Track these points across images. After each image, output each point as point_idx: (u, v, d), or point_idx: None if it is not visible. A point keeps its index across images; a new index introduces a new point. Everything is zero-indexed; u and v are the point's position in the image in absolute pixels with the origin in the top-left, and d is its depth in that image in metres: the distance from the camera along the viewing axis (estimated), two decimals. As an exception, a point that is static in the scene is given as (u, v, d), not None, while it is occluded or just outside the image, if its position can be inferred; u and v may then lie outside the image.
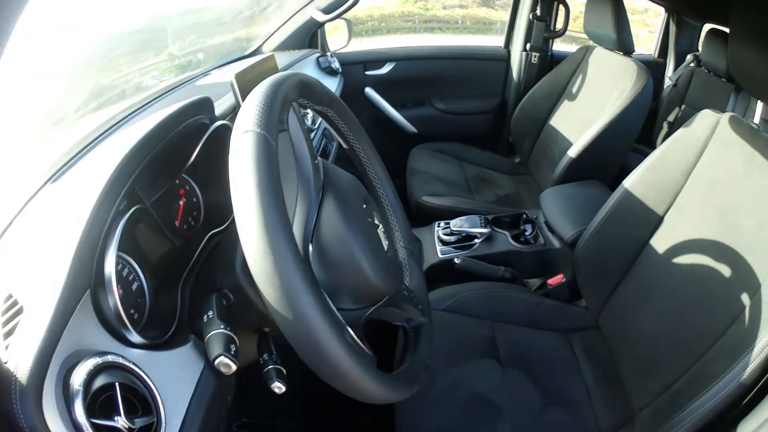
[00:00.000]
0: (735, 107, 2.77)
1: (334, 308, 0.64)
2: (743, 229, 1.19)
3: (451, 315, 1.46)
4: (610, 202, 1.48)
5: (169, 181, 0.89)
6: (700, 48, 3.16)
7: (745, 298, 1.12)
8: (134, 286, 0.74)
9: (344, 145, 0.98)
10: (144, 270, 0.76)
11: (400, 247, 1.04)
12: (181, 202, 0.92)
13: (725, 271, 1.20)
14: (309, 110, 1.07)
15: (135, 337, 0.68)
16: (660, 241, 1.39)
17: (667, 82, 3.19)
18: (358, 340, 0.67)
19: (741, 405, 1.10)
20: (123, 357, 0.63)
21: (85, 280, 0.65)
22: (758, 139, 1.24)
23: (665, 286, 1.33)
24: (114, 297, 0.66)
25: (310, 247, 0.71)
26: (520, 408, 1.29)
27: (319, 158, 0.81)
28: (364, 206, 0.82)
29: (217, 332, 0.68)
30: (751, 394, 1.08)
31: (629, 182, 1.46)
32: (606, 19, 2.12)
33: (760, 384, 1.07)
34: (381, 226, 0.86)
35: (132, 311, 0.72)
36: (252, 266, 0.56)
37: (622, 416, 1.34)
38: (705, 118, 1.38)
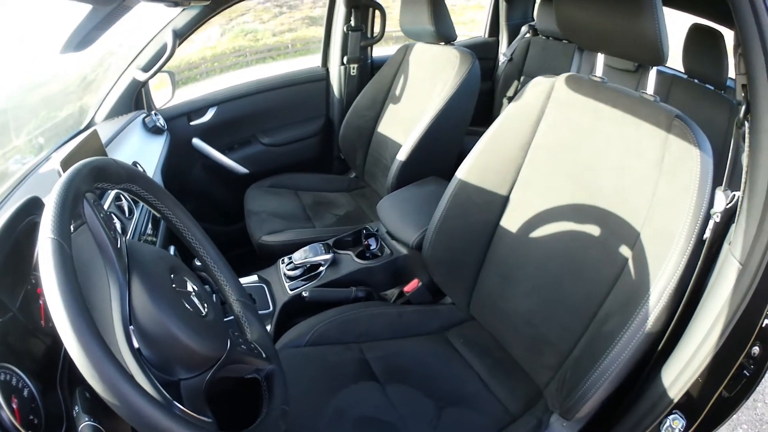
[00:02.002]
0: (581, 66, 3.00)
1: (153, 388, 0.71)
2: (604, 185, 1.23)
3: (314, 348, 1.46)
4: (446, 196, 1.51)
5: (25, 283, 0.90)
6: (535, 18, 3.37)
7: (624, 251, 1.16)
8: (25, 392, 0.75)
9: (157, 215, 1.06)
10: (27, 375, 0.78)
11: (234, 301, 1.11)
12: (41, 301, 0.92)
13: (593, 230, 1.24)
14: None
15: None
16: (511, 220, 1.43)
17: (502, 59, 3.41)
18: (190, 411, 0.74)
19: (656, 352, 1.15)
20: None
21: None
22: (602, 91, 1.29)
23: (529, 262, 1.37)
24: (5, 411, 0.68)
25: (131, 329, 0.76)
26: (414, 419, 1.30)
27: (122, 240, 0.86)
28: (172, 276, 0.88)
29: (83, 426, 0.73)
30: (665, 340, 1.13)
31: (462, 171, 1.49)
32: (421, 13, 2.17)
33: (671, 327, 1.11)
34: (194, 291, 0.91)
35: (31, 417, 0.74)
36: (78, 366, 0.62)
37: (530, 396, 1.38)
38: (537, 85, 1.42)
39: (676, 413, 1.13)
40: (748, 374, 1.06)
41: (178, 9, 2.11)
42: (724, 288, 1.02)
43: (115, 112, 2.10)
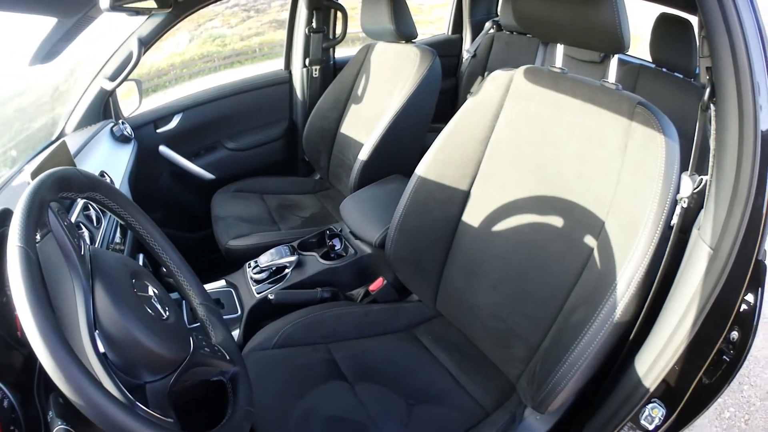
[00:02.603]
0: (545, 59, 2.99)
1: (117, 391, 0.73)
2: (567, 176, 1.22)
3: (282, 350, 1.44)
4: (407, 194, 1.50)
5: (1, 296, 0.91)
6: (499, 13, 3.36)
7: (589, 241, 1.15)
8: (5, 403, 0.77)
9: (121, 222, 1.08)
10: (7, 386, 0.80)
11: (198, 305, 1.12)
12: (16, 312, 0.93)
13: (557, 222, 1.22)
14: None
15: None
16: (473, 215, 1.41)
17: (466, 56, 3.41)
18: (154, 413, 0.76)
19: (628, 342, 1.14)
20: None
21: None
22: (561, 81, 1.28)
23: (492, 256, 1.36)
24: None
25: (96, 333, 0.77)
26: (384, 417, 1.29)
27: (86, 247, 0.87)
28: (134, 281, 0.90)
29: (57, 430, 0.74)
30: (636, 329, 1.12)
31: (422, 168, 1.48)
32: (382, 13, 2.16)
33: (642, 316, 1.10)
34: (155, 295, 0.93)
35: (12, 428, 0.76)
36: (46, 370, 0.64)
37: (502, 390, 1.37)
38: (495, 79, 1.40)
39: (655, 402, 1.12)
40: (728, 359, 1.06)
41: (143, 17, 2.09)
42: (696, 274, 1.01)
43: (85, 122, 2.08)
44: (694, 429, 2.05)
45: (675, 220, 1.06)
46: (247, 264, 1.89)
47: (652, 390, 1.09)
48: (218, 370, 0.98)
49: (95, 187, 0.99)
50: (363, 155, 2.11)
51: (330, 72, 2.81)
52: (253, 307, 1.71)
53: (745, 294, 1.01)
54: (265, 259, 1.82)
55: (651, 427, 1.14)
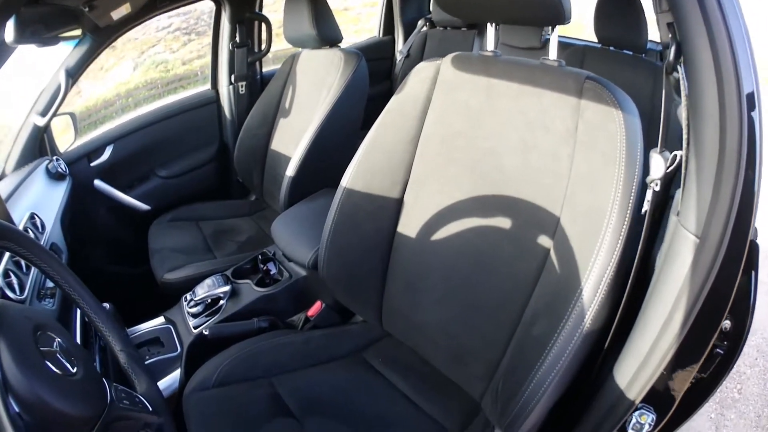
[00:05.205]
0: (481, 49, 2.90)
1: None
2: (509, 169, 1.06)
3: (222, 390, 1.27)
4: (333, 208, 1.33)
5: None
6: (431, 10, 3.24)
7: (543, 241, 0.98)
8: None
9: (35, 268, 0.99)
10: None
11: (118, 352, 1.02)
12: None
13: (503, 223, 1.05)
14: None
15: None
16: (408, 225, 1.25)
17: (399, 57, 3.26)
18: None
19: (603, 351, 0.96)
20: None
21: None
22: (494, 65, 1.12)
23: (435, 269, 1.20)
24: None
25: (9, 395, 0.71)
26: None
27: None
28: (38, 334, 0.83)
29: None
30: (611, 336, 0.94)
31: (347, 178, 1.32)
32: (303, 19, 2.02)
33: (616, 321, 0.92)
34: (61, 349, 0.85)
35: None
36: None
37: (466, 410, 1.24)
38: (420, 72, 1.26)
39: (642, 408, 0.93)
40: (722, 351, 0.88)
41: (70, 48, 1.96)
42: (679, 267, 0.82)
43: (23, 160, 1.93)
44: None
45: (646, 207, 0.89)
46: (183, 298, 1.70)
47: (638, 401, 0.91)
48: (142, 423, 0.91)
49: (4, 235, 0.90)
50: (290, 171, 1.95)
51: (257, 87, 2.64)
52: (191, 344, 1.53)
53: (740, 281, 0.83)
54: (200, 291, 1.64)
55: None
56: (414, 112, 1.24)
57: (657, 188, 0.88)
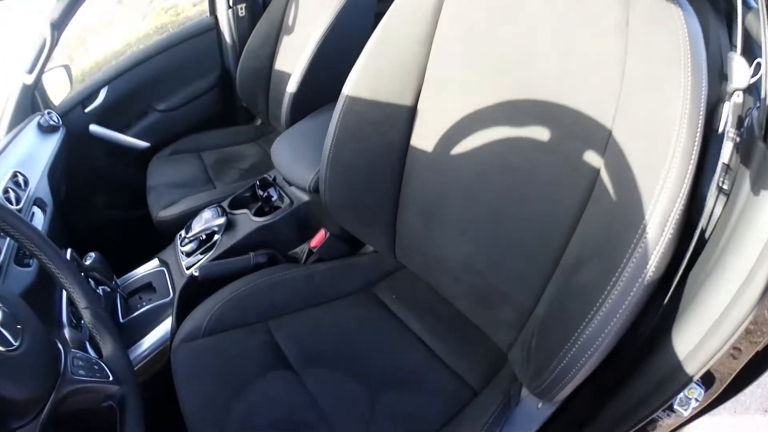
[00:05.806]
0: None
1: None
2: (547, 71, 0.86)
3: (213, 338, 1.11)
4: (335, 120, 1.13)
5: None
6: None
7: (592, 158, 0.78)
8: None
9: None
10: None
11: (82, 310, 0.91)
12: None
13: (540, 134, 0.85)
14: None
15: None
16: (424, 137, 1.03)
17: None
18: None
19: (661, 308, 0.75)
20: None
21: None
22: None
23: (456, 190, 0.99)
24: None
25: None
26: (340, 414, 0.98)
27: None
28: None
29: None
30: (671, 291, 0.73)
31: (350, 85, 1.11)
32: None
33: (680, 271, 0.72)
34: (1, 320, 0.72)
35: None
36: None
37: (490, 359, 1.07)
38: None
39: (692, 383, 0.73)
40: None
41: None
42: None
43: (16, 121, 1.80)
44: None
45: (723, 123, 0.67)
46: (177, 236, 1.53)
47: (696, 377, 0.71)
48: (103, 395, 0.79)
49: None
50: (291, 87, 1.74)
51: (259, 8, 2.40)
52: (183, 288, 1.36)
53: None
54: (196, 226, 1.47)
55: (686, 413, 0.76)
56: (426, 7, 1.00)
57: (740, 100, 0.67)
